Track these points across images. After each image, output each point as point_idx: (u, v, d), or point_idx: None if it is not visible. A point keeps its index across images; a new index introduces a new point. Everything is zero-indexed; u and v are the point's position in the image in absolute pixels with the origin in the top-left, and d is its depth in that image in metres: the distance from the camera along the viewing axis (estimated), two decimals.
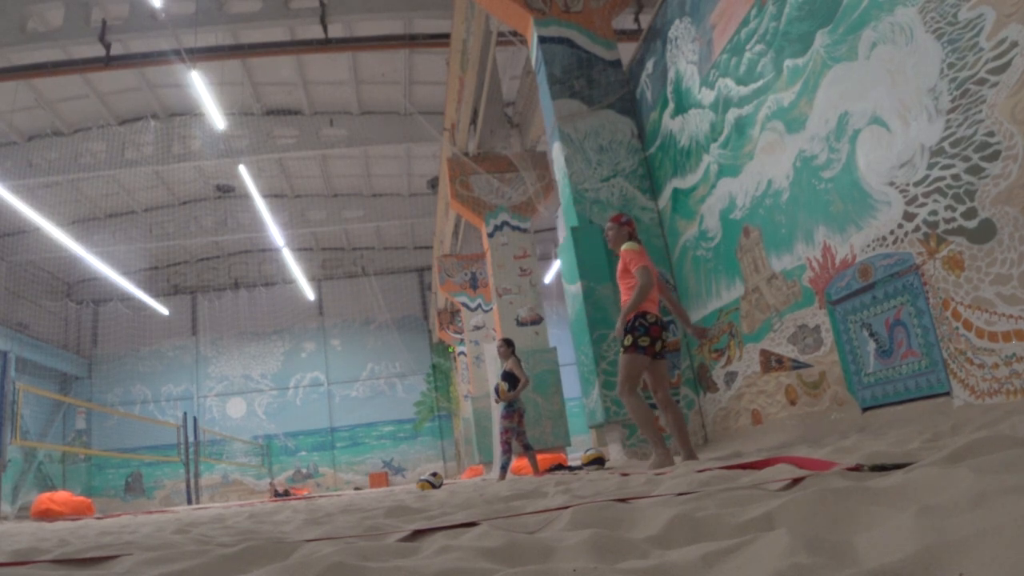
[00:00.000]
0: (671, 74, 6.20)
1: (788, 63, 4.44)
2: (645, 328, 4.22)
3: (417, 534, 1.71)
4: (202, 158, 15.88)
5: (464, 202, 11.59)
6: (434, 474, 7.20)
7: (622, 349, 4.30)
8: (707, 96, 5.58)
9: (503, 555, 1.23)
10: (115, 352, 21.98)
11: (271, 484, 18.81)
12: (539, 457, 8.19)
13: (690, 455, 4.19)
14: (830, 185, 4.11)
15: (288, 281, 21.96)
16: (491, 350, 11.90)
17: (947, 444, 2.07)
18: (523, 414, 7.37)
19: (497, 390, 7.35)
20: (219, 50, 11.79)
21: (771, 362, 4.99)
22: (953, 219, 3.22)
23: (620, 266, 4.47)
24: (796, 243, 4.53)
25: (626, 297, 4.43)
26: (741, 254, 5.26)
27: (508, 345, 7.48)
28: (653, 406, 5.05)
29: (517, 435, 7.28)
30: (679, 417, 4.32)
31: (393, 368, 22.72)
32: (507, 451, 7.23)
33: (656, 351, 4.25)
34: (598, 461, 6.25)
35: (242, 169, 14.46)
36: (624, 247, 4.44)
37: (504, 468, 7.17)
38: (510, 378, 7.28)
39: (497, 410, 8.67)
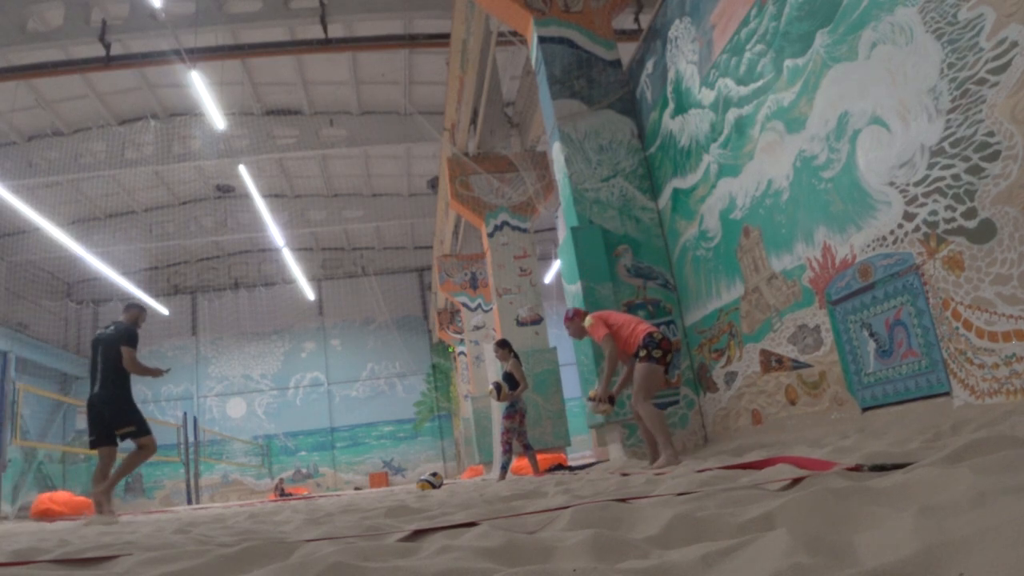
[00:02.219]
0: (671, 74, 6.20)
1: (788, 63, 4.44)
2: (656, 342, 4.60)
3: (417, 534, 1.71)
4: (202, 158, 15.87)
5: (464, 202, 11.59)
6: (434, 474, 7.17)
7: (639, 359, 4.66)
8: (707, 96, 5.58)
9: (503, 555, 1.23)
10: None
11: (280, 480, 18.74)
12: (539, 457, 8.18)
13: (654, 458, 4.71)
14: (830, 185, 4.11)
15: (288, 281, 21.95)
16: (491, 350, 11.90)
17: (947, 444, 2.07)
18: (524, 414, 7.34)
19: (498, 388, 7.30)
20: (219, 50, 11.79)
21: (771, 362, 4.99)
22: (953, 219, 3.22)
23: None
24: (796, 243, 4.53)
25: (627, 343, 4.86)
26: (741, 254, 5.26)
27: (505, 347, 7.42)
28: (672, 403, 5.77)
29: (518, 435, 7.26)
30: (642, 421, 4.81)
31: (393, 368, 22.72)
32: (508, 451, 7.22)
33: (666, 363, 4.63)
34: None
35: (242, 169, 14.45)
36: (585, 324, 4.99)
37: (504, 468, 7.15)
38: (510, 380, 7.25)
39: (498, 410, 8.66)
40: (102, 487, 5.44)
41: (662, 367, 4.61)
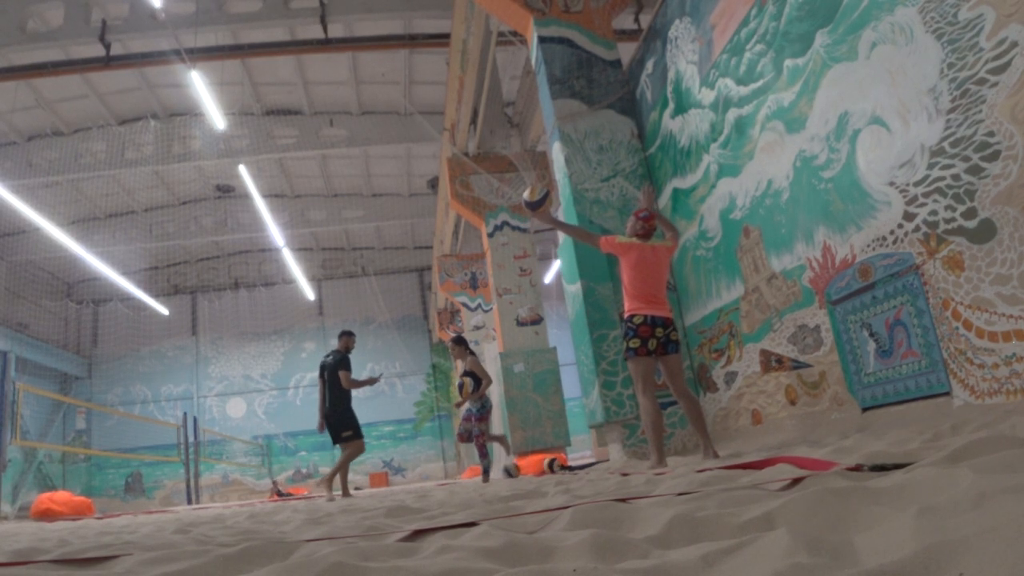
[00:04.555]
0: (671, 74, 6.20)
1: (788, 63, 4.44)
2: (633, 330, 4.29)
3: (417, 534, 1.71)
4: (202, 158, 15.87)
5: (464, 202, 11.59)
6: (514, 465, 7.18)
7: (625, 357, 4.43)
8: (707, 96, 5.58)
9: (503, 555, 1.23)
10: (115, 352, 21.96)
11: (274, 483, 18.77)
12: (539, 457, 8.18)
13: (707, 448, 4.19)
14: (830, 185, 4.11)
15: (288, 281, 21.95)
16: (491, 350, 11.90)
17: (947, 444, 2.07)
18: (490, 411, 7.29)
19: (461, 388, 7.22)
20: (219, 50, 11.79)
21: (771, 362, 4.99)
22: (953, 219, 3.22)
23: None
24: (796, 243, 4.53)
25: (625, 291, 4.47)
26: (741, 254, 5.26)
27: (461, 343, 7.33)
28: (672, 403, 5.40)
29: (479, 435, 7.20)
30: (692, 408, 4.35)
31: (393, 368, 22.71)
32: (485, 454, 7.17)
33: (650, 350, 4.28)
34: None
35: (242, 169, 14.45)
36: (620, 237, 4.58)
37: (487, 471, 7.10)
38: (473, 377, 7.15)
39: (497, 409, 8.63)
40: (329, 476, 7.25)
41: (643, 355, 4.25)
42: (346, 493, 7.19)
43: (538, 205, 4.56)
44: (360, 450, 7.28)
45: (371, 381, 7.29)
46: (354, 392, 7.30)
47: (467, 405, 7.32)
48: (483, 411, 7.16)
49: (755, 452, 3.95)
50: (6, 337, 17.40)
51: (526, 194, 4.62)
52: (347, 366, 7.22)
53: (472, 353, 7.27)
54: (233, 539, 2.04)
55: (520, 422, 9.92)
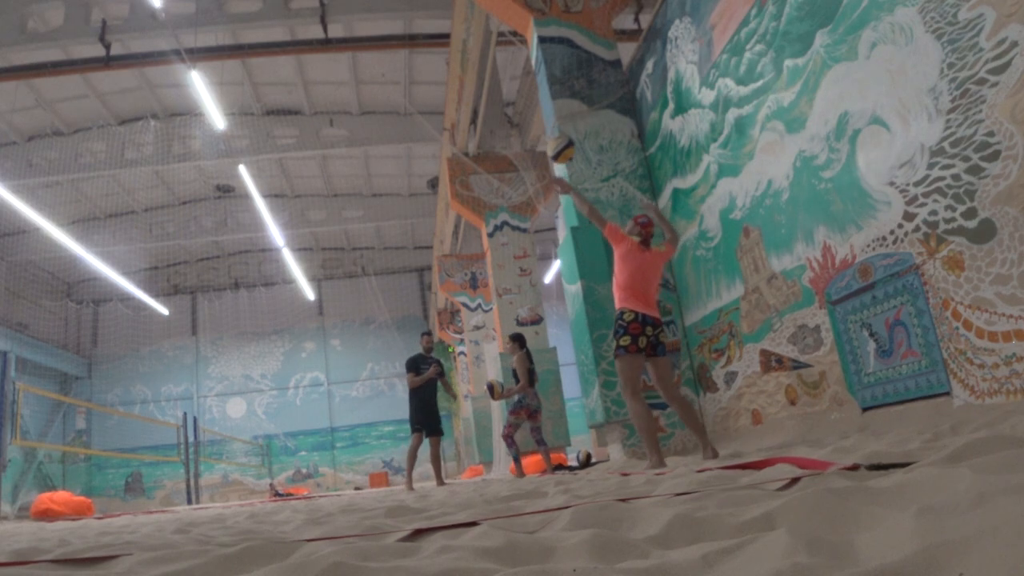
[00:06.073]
0: (671, 74, 6.20)
1: (788, 63, 4.44)
2: (624, 328, 4.29)
3: (417, 534, 1.71)
4: (202, 158, 15.87)
5: (464, 202, 11.59)
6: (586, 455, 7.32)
7: (614, 352, 4.41)
8: (707, 96, 5.58)
9: (503, 555, 1.23)
10: (115, 352, 21.97)
11: (271, 485, 18.80)
12: (537, 458, 8.20)
13: (706, 447, 4.19)
14: (830, 185, 4.11)
15: (288, 281, 21.95)
16: (491, 350, 11.90)
17: (947, 444, 2.07)
18: (533, 412, 7.25)
19: (491, 388, 7.38)
20: (219, 50, 11.79)
21: (771, 362, 4.99)
22: (953, 219, 3.22)
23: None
24: (796, 243, 4.53)
25: (616, 283, 4.49)
26: (741, 254, 5.26)
27: (514, 341, 7.41)
28: (663, 405, 5.34)
29: (531, 431, 7.28)
30: (685, 409, 4.34)
31: (393, 368, 22.71)
32: (511, 444, 7.27)
33: (640, 347, 4.26)
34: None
35: (242, 169, 14.45)
36: (627, 227, 4.70)
37: (516, 461, 7.22)
38: (513, 375, 7.31)
39: (499, 409, 8.70)
40: (436, 471, 7.94)
41: (633, 354, 4.23)
42: (440, 480, 7.86)
43: (557, 156, 4.80)
44: (415, 443, 7.84)
45: (432, 373, 7.73)
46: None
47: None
48: (518, 406, 7.23)
49: (755, 452, 3.95)
50: (6, 337, 17.40)
51: (550, 147, 4.88)
52: (410, 368, 7.82)
53: (526, 352, 7.34)
54: (233, 539, 2.04)
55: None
